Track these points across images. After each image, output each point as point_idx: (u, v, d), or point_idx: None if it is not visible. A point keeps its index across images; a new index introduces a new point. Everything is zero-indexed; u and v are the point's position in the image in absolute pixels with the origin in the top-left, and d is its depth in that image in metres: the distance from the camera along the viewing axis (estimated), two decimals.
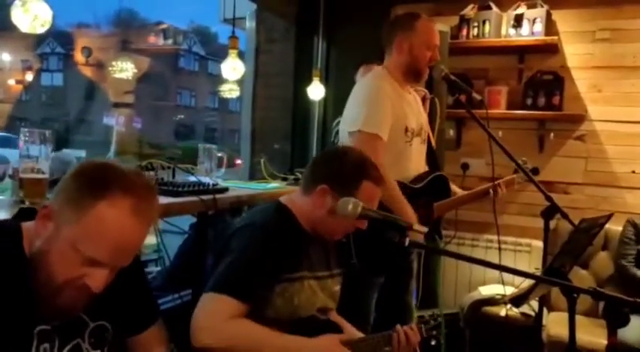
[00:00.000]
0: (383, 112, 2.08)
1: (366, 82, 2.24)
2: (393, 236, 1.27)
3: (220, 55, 24.78)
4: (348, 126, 2.11)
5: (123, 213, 0.98)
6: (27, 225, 1.06)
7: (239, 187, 2.45)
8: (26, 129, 1.42)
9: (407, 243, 1.26)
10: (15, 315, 0.98)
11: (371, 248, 2.02)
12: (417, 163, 2.28)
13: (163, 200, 1.78)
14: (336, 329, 1.61)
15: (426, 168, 2.34)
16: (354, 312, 1.85)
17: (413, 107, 2.26)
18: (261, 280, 1.43)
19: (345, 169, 1.55)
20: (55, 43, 27.22)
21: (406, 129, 2.18)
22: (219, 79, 26.60)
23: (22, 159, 1.40)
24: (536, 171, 2.47)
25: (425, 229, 1.26)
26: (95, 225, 0.97)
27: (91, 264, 0.98)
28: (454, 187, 2.43)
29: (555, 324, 2.79)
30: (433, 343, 1.71)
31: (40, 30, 1.37)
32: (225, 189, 2.16)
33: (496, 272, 3.24)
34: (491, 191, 2.35)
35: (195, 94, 30.04)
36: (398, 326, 1.62)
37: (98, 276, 0.99)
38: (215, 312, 1.35)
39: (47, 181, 1.41)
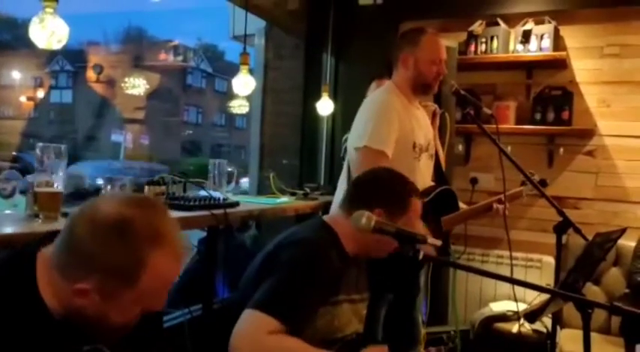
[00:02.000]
0: (390, 128, 2.08)
1: (375, 97, 2.25)
2: (407, 250, 1.27)
3: (227, 72, 24.99)
4: (354, 142, 2.11)
5: (169, 266, 1.00)
6: (44, 259, 1.01)
7: (249, 202, 2.46)
8: (41, 144, 1.43)
9: (421, 257, 1.25)
10: None
11: (381, 264, 2.02)
12: (424, 179, 2.27)
13: (175, 214, 1.79)
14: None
15: (432, 184, 2.34)
16: (363, 329, 1.84)
17: (421, 122, 2.27)
18: (308, 306, 1.43)
19: (395, 190, 1.62)
20: (65, 61, 27.55)
21: (414, 145, 2.18)
22: (226, 97, 26.80)
23: (37, 173, 1.41)
24: (544, 183, 2.45)
25: (439, 242, 1.25)
26: (154, 289, 0.99)
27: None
28: (460, 203, 2.42)
29: (568, 341, 2.75)
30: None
31: (57, 46, 1.39)
32: (236, 204, 2.17)
33: (506, 288, 3.25)
34: (495, 205, 2.34)
35: (203, 111, 30.25)
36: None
37: (162, 302, 1.04)
38: (255, 327, 1.34)
39: (62, 195, 1.42)
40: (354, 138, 2.13)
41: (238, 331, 1.34)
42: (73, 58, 27.34)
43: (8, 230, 1.30)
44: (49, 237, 1.05)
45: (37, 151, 1.44)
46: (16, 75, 26.30)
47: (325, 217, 1.68)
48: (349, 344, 1.58)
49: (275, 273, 1.42)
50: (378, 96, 2.24)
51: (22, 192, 1.56)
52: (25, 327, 0.95)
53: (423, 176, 2.26)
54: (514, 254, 3.15)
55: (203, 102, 29.92)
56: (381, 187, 1.64)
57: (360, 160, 2.05)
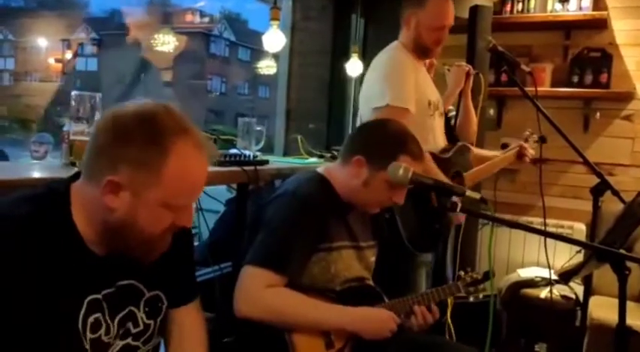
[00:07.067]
0: (409, 85, 2.03)
1: (388, 55, 2.15)
2: (444, 202, 1.25)
3: (251, 41, 24.81)
4: (374, 102, 2.04)
5: (193, 156, 0.99)
6: (76, 188, 1.03)
7: (278, 161, 2.45)
8: (77, 93, 1.43)
9: (459, 209, 1.23)
10: (65, 287, 0.96)
11: (418, 226, 1.99)
12: (439, 137, 2.24)
13: None
14: (375, 293, 1.60)
15: (446, 142, 2.29)
16: (403, 291, 1.80)
17: (428, 81, 2.22)
18: (299, 252, 1.45)
19: (384, 141, 1.54)
20: (90, 29, 27.66)
21: (429, 103, 2.14)
22: (249, 65, 26.72)
23: (73, 122, 1.42)
24: (543, 139, 2.37)
25: (478, 195, 1.22)
26: (179, 181, 0.98)
27: (180, 210, 1.02)
28: (478, 150, 2.38)
29: (597, 307, 2.71)
30: (471, 300, 1.68)
31: None
32: (266, 162, 2.16)
33: (535, 255, 3.22)
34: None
35: (226, 80, 30.25)
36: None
37: (188, 215, 1.05)
38: (252, 284, 1.39)
39: None
40: (372, 98, 2.05)
41: (238, 289, 1.39)
42: (97, 26, 27.46)
43: (44, 175, 1.31)
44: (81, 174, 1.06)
45: (72, 101, 1.44)
46: (42, 42, 26.57)
47: (319, 168, 1.66)
48: (362, 291, 1.58)
49: (263, 228, 1.46)
50: (389, 54, 2.14)
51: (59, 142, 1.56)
52: (61, 258, 0.96)
53: (437, 134, 2.22)
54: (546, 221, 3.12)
55: (227, 71, 29.88)
56: (372, 136, 1.59)
57: None
